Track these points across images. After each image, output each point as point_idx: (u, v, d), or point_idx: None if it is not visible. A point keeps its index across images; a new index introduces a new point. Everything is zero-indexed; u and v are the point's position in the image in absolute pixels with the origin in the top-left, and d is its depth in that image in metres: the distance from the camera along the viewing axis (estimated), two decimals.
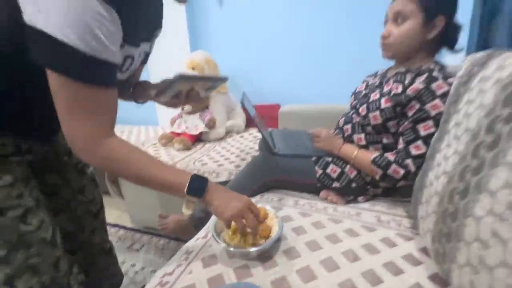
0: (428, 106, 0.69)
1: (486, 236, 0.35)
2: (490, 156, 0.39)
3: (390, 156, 0.76)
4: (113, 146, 0.47)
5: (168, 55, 1.68)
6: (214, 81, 0.72)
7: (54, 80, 0.40)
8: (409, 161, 0.72)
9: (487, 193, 0.37)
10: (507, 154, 0.36)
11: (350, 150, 0.83)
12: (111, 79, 0.44)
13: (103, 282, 0.83)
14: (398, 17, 0.73)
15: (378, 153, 0.78)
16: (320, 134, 0.91)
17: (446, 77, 0.70)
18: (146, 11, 0.55)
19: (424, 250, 0.58)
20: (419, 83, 0.71)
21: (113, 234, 1.38)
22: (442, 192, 0.49)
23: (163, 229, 1.05)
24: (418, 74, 0.74)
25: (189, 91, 0.65)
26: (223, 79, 0.71)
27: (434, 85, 0.69)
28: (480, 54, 0.58)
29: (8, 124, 0.52)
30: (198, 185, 0.51)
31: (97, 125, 0.45)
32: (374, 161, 0.77)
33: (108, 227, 1.49)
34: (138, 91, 0.68)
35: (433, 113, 0.68)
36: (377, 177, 0.77)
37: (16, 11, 0.37)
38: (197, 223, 0.92)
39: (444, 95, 0.67)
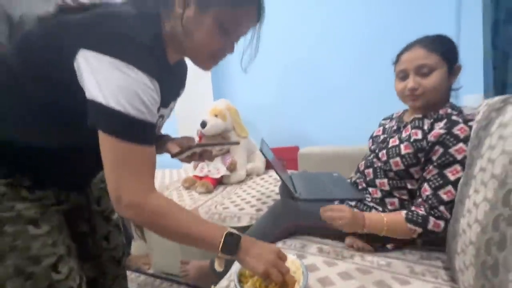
0: (452, 150, 0.68)
1: None
2: None
3: (419, 209, 0.71)
4: (157, 200, 0.50)
5: (193, 103, 1.84)
6: (226, 145, 0.83)
7: (107, 143, 0.46)
8: (442, 209, 0.68)
9: None
10: None
11: (378, 218, 0.73)
12: (152, 138, 0.50)
13: None
14: (422, 69, 0.75)
15: (404, 210, 0.73)
16: (343, 214, 0.72)
17: (466, 120, 0.71)
18: (174, 76, 0.64)
19: None
20: (439, 129, 0.71)
21: (133, 280, 1.36)
22: (478, 242, 0.47)
23: (184, 276, 1.03)
24: (437, 120, 0.75)
25: (202, 152, 0.73)
26: (234, 143, 0.84)
27: (456, 129, 0.69)
28: (496, 99, 0.59)
29: (52, 179, 0.58)
30: (232, 244, 0.52)
31: (143, 180, 0.49)
32: (408, 219, 0.70)
33: (128, 273, 1.47)
34: (159, 144, 0.73)
35: (459, 157, 0.67)
36: (416, 236, 0.70)
37: (80, 90, 0.45)
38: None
39: (467, 139, 0.67)
